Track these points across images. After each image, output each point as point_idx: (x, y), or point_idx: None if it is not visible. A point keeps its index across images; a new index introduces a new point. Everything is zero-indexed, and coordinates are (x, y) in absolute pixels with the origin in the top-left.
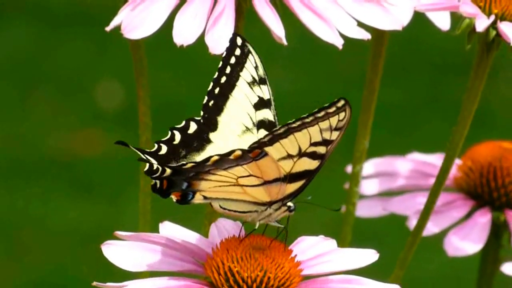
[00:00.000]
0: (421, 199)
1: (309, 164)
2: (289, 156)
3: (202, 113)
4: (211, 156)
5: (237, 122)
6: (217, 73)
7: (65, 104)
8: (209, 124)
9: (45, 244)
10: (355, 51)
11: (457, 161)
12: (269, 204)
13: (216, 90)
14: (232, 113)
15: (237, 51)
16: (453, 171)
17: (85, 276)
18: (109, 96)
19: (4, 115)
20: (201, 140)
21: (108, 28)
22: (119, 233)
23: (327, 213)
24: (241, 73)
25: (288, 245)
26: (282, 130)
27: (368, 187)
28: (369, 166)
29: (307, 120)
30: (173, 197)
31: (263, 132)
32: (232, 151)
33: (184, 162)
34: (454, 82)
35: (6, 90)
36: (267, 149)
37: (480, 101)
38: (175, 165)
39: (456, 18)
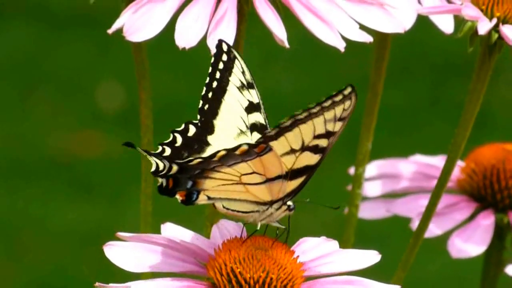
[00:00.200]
0: (424, 201)
1: (310, 159)
2: (292, 151)
3: (198, 116)
4: (218, 151)
5: (232, 125)
6: (208, 78)
7: (66, 105)
8: (206, 127)
9: (45, 245)
10: (356, 53)
11: (461, 163)
12: (271, 203)
13: (210, 95)
14: (226, 117)
15: (224, 57)
16: (457, 173)
17: (85, 276)
18: (109, 97)
19: (4, 115)
20: (200, 142)
21: (110, 31)
22: (121, 234)
23: (329, 215)
24: (230, 78)
25: (290, 246)
26: (288, 123)
27: (371, 189)
28: (372, 168)
29: (313, 110)
30: (178, 197)
31: (256, 135)
32: (239, 146)
33: (191, 158)
34: (456, 84)
35: (6, 91)
36: (271, 143)
37: (481, 103)
38: (182, 161)
39: (458, 20)
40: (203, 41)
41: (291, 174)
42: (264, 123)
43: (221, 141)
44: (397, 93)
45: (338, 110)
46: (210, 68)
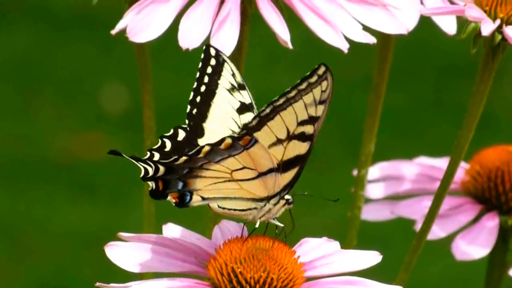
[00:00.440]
0: (428, 203)
1: (299, 148)
2: (279, 141)
3: (187, 121)
4: (202, 147)
5: (223, 127)
6: (195, 83)
7: (69, 107)
8: (196, 131)
9: (47, 246)
10: (359, 54)
11: (465, 165)
12: (268, 199)
13: (198, 99)
14: (217, 119)
15: (212, 61)
16: (461, 175)
17: (87, 278)
18: (113, 99)
19: (7, 117)
20: (191, 145)
21: (113, 32)
22: (122, 234)
23: (332, 217)
24: (219, 81)
25: (292, 247)
26: (268, 110)
27: (375, 191)
28: (376, 170)
29: (290, 94)
30: (171, 200)
31: None
32: (222, 140)
33: (176, 157)
34: (459, 85)
35: (9, 92)
36: (256, 135)
37: (485, 104)
38: (167, 161)
39: (461, 21)
40: (206, 42)
41: (283, 166)
42: None
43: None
44: (400, 94)
45: (317, 93)
46: (198, 73)
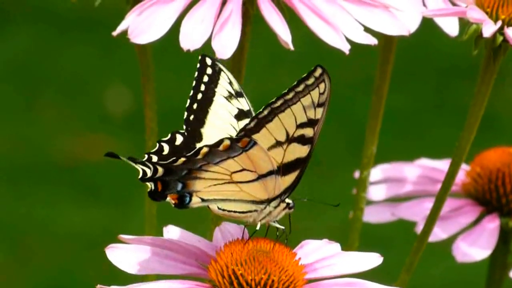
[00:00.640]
0: (430, 205)
1: (299, 151)
2: (278, 144)
3: (184, 127)
4: (200, 148)
5: (221, 132)
6: (192, 91)
7: (72, 109)
8: (194, 135)
9: (50, 248)
10: (361, 56)
11: (466, 167)
12: (268, 201)
13: (194, 106)
14: (215, 125)
15: (209, 70)
16: (462, 177)
17: (89, 279)
18: (116, 100)
19: (10, 119)
20: (189, 149)
21: (115, 33)
22: (123, 236)
23: (333, 219)
24: (216, 89)
25: (293, 249)
26: (266, 112)
27: (376, 192)
28: (377, 172)
29: (288, 96)
30: (171, 201)
31: None
32: (221, 141)
33: (175, 158)
34: (461, 87)
35: (12, 94)
36: (255, 137)
37: (486, 106)
38: (166, 162)
39: (463, 23)
40: (208, 43)
41: (283, 169)
42: None
43: None
44: (402, 96)
45: (315, 95)
46: (194, 82)
